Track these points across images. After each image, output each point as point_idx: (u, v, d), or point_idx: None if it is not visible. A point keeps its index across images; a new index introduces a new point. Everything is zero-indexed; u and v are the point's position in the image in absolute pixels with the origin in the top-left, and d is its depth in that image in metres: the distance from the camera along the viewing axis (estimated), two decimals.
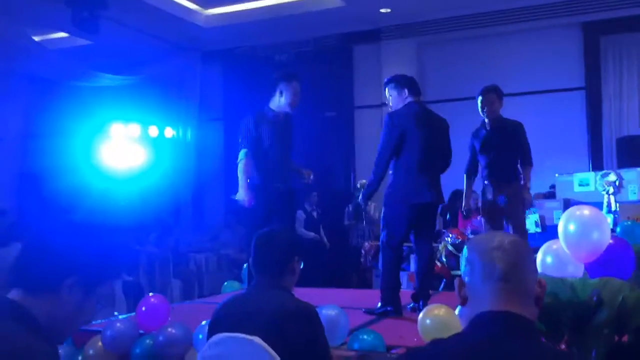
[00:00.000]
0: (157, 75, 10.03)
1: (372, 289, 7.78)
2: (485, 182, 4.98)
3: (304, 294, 3.63)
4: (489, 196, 4.91)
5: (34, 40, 8.23)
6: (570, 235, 2.24)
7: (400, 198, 3.97)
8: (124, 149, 9.25)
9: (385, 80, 4.34)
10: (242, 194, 4.13)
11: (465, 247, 1.41)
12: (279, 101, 4.19)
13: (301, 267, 2.27)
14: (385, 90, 4.29)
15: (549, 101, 8.62)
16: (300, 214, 8.15)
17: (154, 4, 8.19)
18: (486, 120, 4.98)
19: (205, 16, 9.25)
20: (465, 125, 6.98)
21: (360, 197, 4.54)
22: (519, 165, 4.99)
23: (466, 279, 1.37)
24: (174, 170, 9.96)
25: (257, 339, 1.80)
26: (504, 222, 4.91)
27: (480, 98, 4.96)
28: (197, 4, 8.99)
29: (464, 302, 1.37)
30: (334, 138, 9.64)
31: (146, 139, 9.71)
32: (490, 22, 8.78)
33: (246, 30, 9.31)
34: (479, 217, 7.82)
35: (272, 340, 1.85)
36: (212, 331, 2.04)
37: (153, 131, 9.80)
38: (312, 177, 4.42)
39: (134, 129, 9.52)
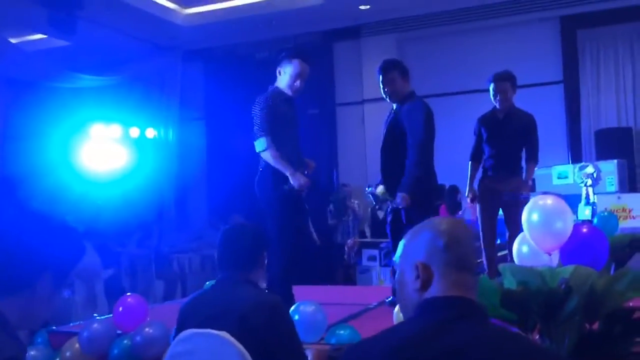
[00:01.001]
0: (138, 75, 9.95)
1: (357, 285, 7.83)
2: (487, 172, 4.83)
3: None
4: (489, 185, 4.76)
5: (9, 42, 8.13)
6: (534, 225, 2.26)
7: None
8: (104, 150, 9.18)
9: (386, 65, 4.06)
10: (299, 179, 3.60)
11: (421, 233, 1.40)
12: (281, 82, 3.73)
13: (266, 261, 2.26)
14: (382, 75, 4.01)
15: (527, 95, 8.61)
16: None
17: (132, 3, 8.13)
18: (498, 107, 4.76)
19: (184, 15, 9.19)
20: (447, 120, 7.02)
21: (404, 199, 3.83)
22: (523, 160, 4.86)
23: (428, 265, 1.36)
24: (156, 170, 9.89)
25: (225, 334, 1.79)
26: (499, 212, 4.80)
27: (492, 85, 4.72)
28: (175, 3, 8.94)
29: (426, 287, 1.37)
30: (316, 136, 9.63)
31: (127, 139, 9.64)
32: (468, 17, 8.83)
33: (226, 29, 9.27)
34: (460, 212, 7.90)
35: (240, 334, 1.85)
36: (180, 328, 2.03)
37: (134, 132, 9.73)
38: (313, 167, 3.91)
39: (115, 129, 9.45)
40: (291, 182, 3.60)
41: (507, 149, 4.77)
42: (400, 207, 3.79)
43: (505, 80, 4.74)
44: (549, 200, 2.31)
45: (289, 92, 3.72)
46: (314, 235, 8.75)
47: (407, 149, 3.86)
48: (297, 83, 3.69)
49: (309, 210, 8.73)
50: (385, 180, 4.04)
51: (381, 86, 4.06)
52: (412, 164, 3.81)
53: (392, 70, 4.03)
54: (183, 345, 1.84)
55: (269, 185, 3.69)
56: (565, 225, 2.25)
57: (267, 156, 3.63)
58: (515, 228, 4.61)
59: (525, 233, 2.32)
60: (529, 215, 2.29)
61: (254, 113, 3.67)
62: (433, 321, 1.27)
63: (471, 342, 1.20)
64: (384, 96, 4.09)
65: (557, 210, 2.27)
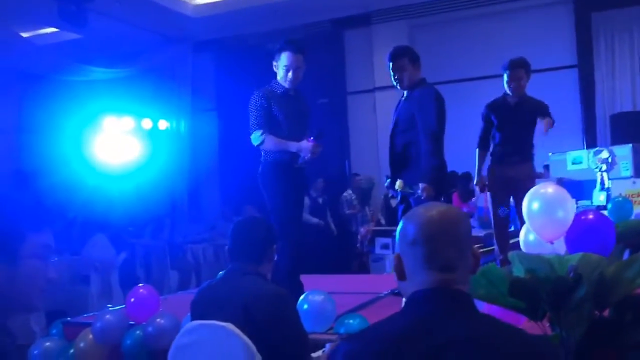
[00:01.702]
0: (149, 66, 9.98)
1: (370, 273, 7.83)
2: (499, 159, 4.76)
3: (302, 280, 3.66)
4: (499, 173, 4.69)
5: (21, 36, 8.18)
6: (535, 214, 2.23)
7: None
8: (117, 143, 9.24)
9: (396, 51, 4.01)
10: (307, 148, 3.59)
11: (401, 222, 1.38)
12: (278, 76, 3.74)
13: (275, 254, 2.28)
14: (392, 62, 3.96)
15: (541, 80, 8.49)
16: (306, 200, 8.17)
17: None
18: (510, 94, 4.70)
19: (194, 6, 9.19)
20: (459, 107, 6.95)
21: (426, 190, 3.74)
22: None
23: (403, 256, 1.35)
24: (169, 161, 9.94)
25: (230, 325, 1.80)
26: (511, 199, 4.75)
27: (507, 73, 4.65)
28: None
29: (402, 277, 1.35)
30: (327, 125, 9.58)
31: (140, 131, 9.69)
32: (480, 2, 8.72)
33: (236, 19, 9.25)
34: (473, 199, 7.85)
35: (245, 324, 1.86)
36: (193, 317, 2.05)
37: (147, 123, 9.78)
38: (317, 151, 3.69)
39: (128, 121, 9.50)
40: (302, 155, 3.61)
41: (519, 135, 4.72)
42: (422, 197, 3.73)
43: (520, 67, 4.68)
44: (550, 189, 2.28)
45: (285, 85, 3.73)
46: (332, 225, 8.80)
47: (417, 136, 3.82)
48: (290, 75, 3.69)
49: (327, 199, 8.81)
50: (395, 168, 4.02)
51: (391, 73, 4.03)
52: (428, 153, 3.77)
53: (402, 57, 3.99)
54: (188, 336, 1.85)
55: (272, 178, 3.70)
56: (566, 213, 2.21)
57: (267, 145, 3.67)
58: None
59: (526, 221, 2.29)
60: (530, 204, 2.26)
61: (250, 107, 3.71)
62: (418, 316, 1.25)
63: (456, 338, 1.18)
64: (395, 83, 4.06)
65: (557, 198, 2.24)
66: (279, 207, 3.65)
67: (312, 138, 3.64)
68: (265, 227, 2.35)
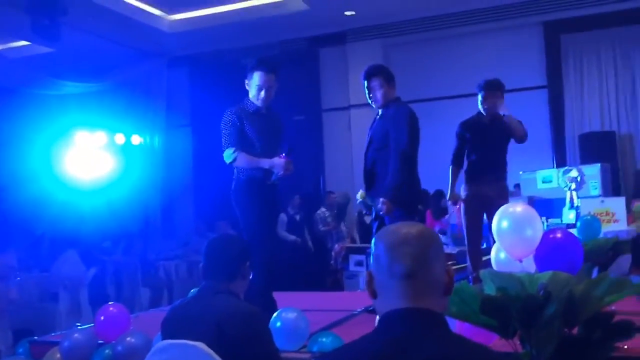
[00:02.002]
0: (123, 81, 9.91)
1: (344, 290, 7.82)
2: (472, 177, 4.80)
3: (275, 297, 3.65)
4: (473, 190, 4.73)
5: None
6: (504, 232, 2.26)
7: None
8: (89, 158, 9.12)
9: (370, 70, 4.04)
10: (280, 164, 3.60)
11: (373, 239, 1.39)
12: (250, 94, 3.77)
13: (250, 272, 2.26)
14: (366, 81, 4.00)
15: (512, 100, 8.61)
16: (283, 217, 8.14)
17: (116, 9, 8.10)
18: (484, 113, 4.76)
19: (170, 21, 9.17)
20: (432, 125, 7.02)
21: (385, 204, 3.77)
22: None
23: (374, 273, 1.35)
24: (142, 177, 9.83)
25: (201, 345, 1.78)
26: (484, 218, 4.80)
27: (482, 93, 4.72)
28: (160, 9, 8.92)
29: (373, 295, 1.36)
30: (302, 142, 9.62)
31: (113, 146, 9.59)
32: (453, 23, 8.88)
33: (211, 35, 9.26)
34: (446, 216, 7.92)
35: (217, 343, 1.84)
36: (163, 336, 2.02)
37: (120, 138, 9.68)
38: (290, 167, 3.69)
39: (100, 136, 9.39)
40: (275, 172, 3.63)
41: (493, 153, 4.77)
42: (381, 212, 3.80)
43: (496, 90, 4.75)
44: (519, 208, 2.32)
45: (258, 103, 3.76)
46: (309, 242, 8.79)
47: (389, 154, 3.86)
48: (262, 94, 3.72)
49: (303, 216, 8.78)
50: (368, 185, 4.05)
51: (366, 91, 4.07)
52: (394, 170, 3.82)
53: (377, 75, 4.03)
54: (159, 355, 1.82)
55: (244, 196, 3.71)
56: (534, 232, 2.25)
57: (239, 162, 3.68)
58: None
59: (496, 239, 2.32)
60: (499, 222, 2.29)
61: (222, 125, 3.74)
62: (391, 337, 1.25)
63: (429, 358, 1.18)
64: (369, 102, 4.10)
65: (526, 217, 2.28)
66: (252, 224, 3.65)
67: (283, 155, 3.65)
68: (239, 244, 2.34)
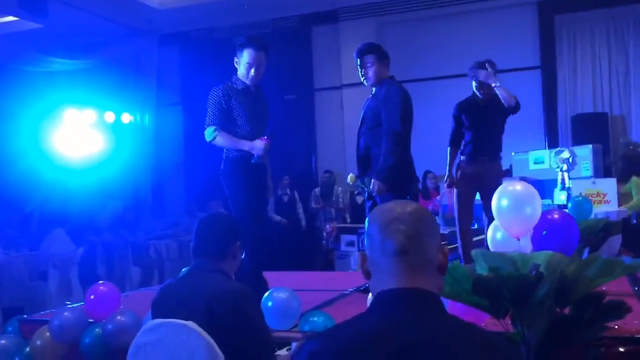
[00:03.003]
0: (113, 58, 9.78)
1: (335, 271, 7.84)
2: (468, 157, 4.79)
3: (266, 277, 3.64)
4: (468, 170, 4.75)
5: None
6: (504, 210, 2.25)
7: None
8: (78, 136, 9.03)
9: (363, 48, 3.99)
10: (258, 145, 3.55)
11: (367, 218, 1.38)
12: (238, 72, 3.70)
13: (242, 252, 2.24)
14: (359, 59, 3.96)
15: (505, 80, 8.60)
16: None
17: None
18: (478, 94, 4.75)
19: None
20: (426, 105, 6.99)
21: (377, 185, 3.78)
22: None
23: (367, 252, 1.34)
24: (132, 156, 9.77)
25: (192, 324, 1.76)
26: (476, 198, 4.80)
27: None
28: None
29: (367, 276, 1.34)
30: (294, 121, 9.57)
31: (103, 124, 9.50)
32: (447, 2, 8.82)
33: (203, 12, 9.14)
34: (438, 197, 7.93)
35: (207, 322, 1.82)
36: (154, 315, 2.01)
37: (109, 116, 9.59)
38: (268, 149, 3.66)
39: (90, 114, 9.30)
40: (254, 153, 3.58)
41: (489, 134, 4.78)
42: (373, 194, 3.78)
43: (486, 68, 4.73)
44: (518, 186, 2.31)
45: (247, 81, 3.71)
46: (303, 221, 8.79)
47: (381, 134, 3.83)
48: (252, 72, 3.67)
49: (293, 196, 8.75)
50: (361, 164, 4.03)
51: (359, 70, 4.03)
52: (387, 151, 3.80)
53: (370, 53, 3.99)
54: (149, 335, 1.81)
55: (233, 175, 3.68)
56: (534, 210, 2.25)
57: (219, 141, 3.64)
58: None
59: (495, 218, 2.31)
60: (499, 201, 2.29)
61: (208, 102, 3.68)
62: (384, 316, 1.23)
63: (421, 338, 1.17)
64: (362, 80, 4.06)
65: (526, 195, 2.27)
66: (241, 204, 3.62)
67: (265, 137, 3.62)
68: (229, 223, 2.32)
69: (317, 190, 8.83)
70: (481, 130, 4.75)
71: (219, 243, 2.21)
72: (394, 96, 3.87)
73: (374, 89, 4.04)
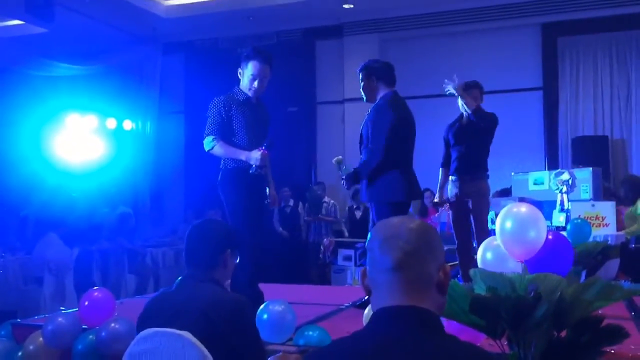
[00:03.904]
0: (116, 65, 9.82)
1: (331, 285, 7.81)
2: (453, 177, 4.85)
3: (262, 289, 3.63)
4: (456, 191, 4.78)
5: None
6: (507, 232, 2.24)
7: None
8: (79, 141, 9.03)
9: (363, 66, 4.08)
10: (255, 156, 3.57)
11: (369, 234, 1.36)
12: (242, 83, 3.75)
13: (236, 260, 2.21)
14: (360, 75, 4.06)
15: (507, 101, 8.72)
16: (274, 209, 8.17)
17: None
18: (465, 114, 4.79)
19: (166, 6, 9.09)
20: (426, 123, 6.97)
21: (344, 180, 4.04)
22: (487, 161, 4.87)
23: (367, 268, 1.32)
24: (132, 163, 9.77)
25: (187, 334, 1.74)
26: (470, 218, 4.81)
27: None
28: None
29: (368, 292, 1.33)
30: (295, 133, 9.60)
31: (104, 130, 9.50)
32: (451, 20, 8.86)
33: (208, 22, 9.19)
34: (436, 214, 7.92)
35: (201, 333, 1.80)
36: (142, 326, 1.98)
37: (111, 123, 9.60)
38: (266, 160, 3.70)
39: (91, 120, 9.31)
40: (252, 163, 3.59)
41: (470, 151, 4.79)
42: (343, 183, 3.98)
43: (474, 88, 4.78)
44: (523, 208, 2.29)
45: (249, 93, 3.73)
46: (303, 233, 8.77)
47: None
48: (255, 84, 3.70)
49: (294, 208, 8.73)
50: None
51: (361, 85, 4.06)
52: (363, 163, 3.90)
53: (361, 71, 4.03)
54: (143, 344, 1.79)
55: (230, 185, 3.69)
56: (538, 234, 2.23)
57: (217, 151, 3.67)
58: (482, 229, 4.64)
59: (498, 240, 2.30)
60: (503, 222, 2.27)
61: (209, 111, 3.72)
62: (383, 335, 1.21)
63: (418, 359, 1.16)
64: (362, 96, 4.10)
65: (530, 218, 2.25)
66: (238, 214, 3.62)
67: (263, 147, 3.63)
68: (219, 230, 2.25)
69: (307, 203, 8.84)
70: (462, 148, 4.79)
71: (208, 251, 2.16)
72: (381, 114, 3.87)
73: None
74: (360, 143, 4.08)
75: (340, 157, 4.16)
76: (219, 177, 3.77)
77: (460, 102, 4.79)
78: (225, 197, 3.72)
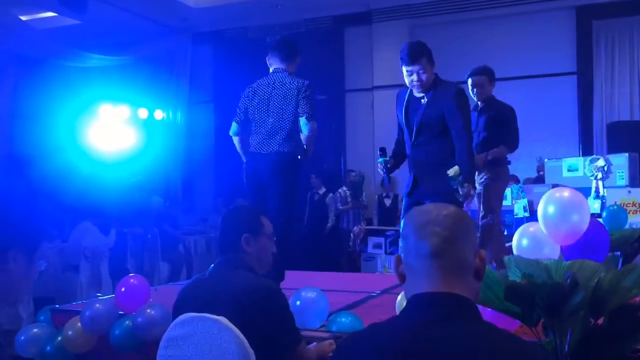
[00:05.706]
0: (147, 56, 9.92)
1: (361, 272, 7.82)
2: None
3: (294, 276, 3.66)
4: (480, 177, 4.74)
5: (20, 19, 8.11)
6: (550, 217, 2.21)
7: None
8: (112, 131, 9.18)
9: (414, 53, 3.70)
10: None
11: (402, 220, 1.36)
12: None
13: (264, 247, 2.21)
14: (409, 65, 3.69)
15: (540, 85, 8.58)
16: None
17: None
18: (478, 103, 4.67)
19: None
20: None
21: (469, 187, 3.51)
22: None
23: (402, 255, 1.32)
24: (163, 153, 9.89)
25: (223, 319, 1.77)
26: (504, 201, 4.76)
27: (469, 80, 4.64)
28: None
29: (402, 279, 1.32)
30: (324, 121, 9.56)
31: (136, 120, 9.63)
32: (482, 5, 8.71)
33: (237, 12, 9.21)
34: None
35: (235, 320, 1.82)
36: (177, 312, 2.01)
37: (143, 113, 9.72)
38: None
39: (123, 110, 9.44)
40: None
41: (481, 140, 4.67)
42: (462, 199, 3.50)
43: (481, 74, 4.60)
44: (566, 193, 2.26)
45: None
46: (330, 221, 8.80)
47: (447, 137, 3.66)
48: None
49: (322, 195, 8.76)
50: (418, 176, 3.81)
51: (407, 76, 3.76)
52: (468, 156, 3.61)
53: (422, 58, 3.73)
54: (180, 329, 1.82)
55: (295, 172, 3.76)
56: (581, 218, 2.20)
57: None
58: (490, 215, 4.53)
59: (540, 224, 2.27)
60: (545, 207, 2.23)
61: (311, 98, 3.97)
62: (417, 321, 1.21)
63: (455, 345, 1.15)
64: (410, 86, 3.80)
65: (574, 203, 2.22)
66: (292, 201, 3.72)
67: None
68: (239, 215, 2.28)
69: (345, 190, 8.78)
70: (475, 137, 4.51)
71: (229, 237, 2.20)
72: (458, 100, 3.70)
73: (424, 94, 3.76)
74: (419, 133, 3.77)
75: (456, 167, 3.57)
76: (284, 158, 3.72)
77: (470, 91, 4.64)
78: (286, 181, 3.71)
